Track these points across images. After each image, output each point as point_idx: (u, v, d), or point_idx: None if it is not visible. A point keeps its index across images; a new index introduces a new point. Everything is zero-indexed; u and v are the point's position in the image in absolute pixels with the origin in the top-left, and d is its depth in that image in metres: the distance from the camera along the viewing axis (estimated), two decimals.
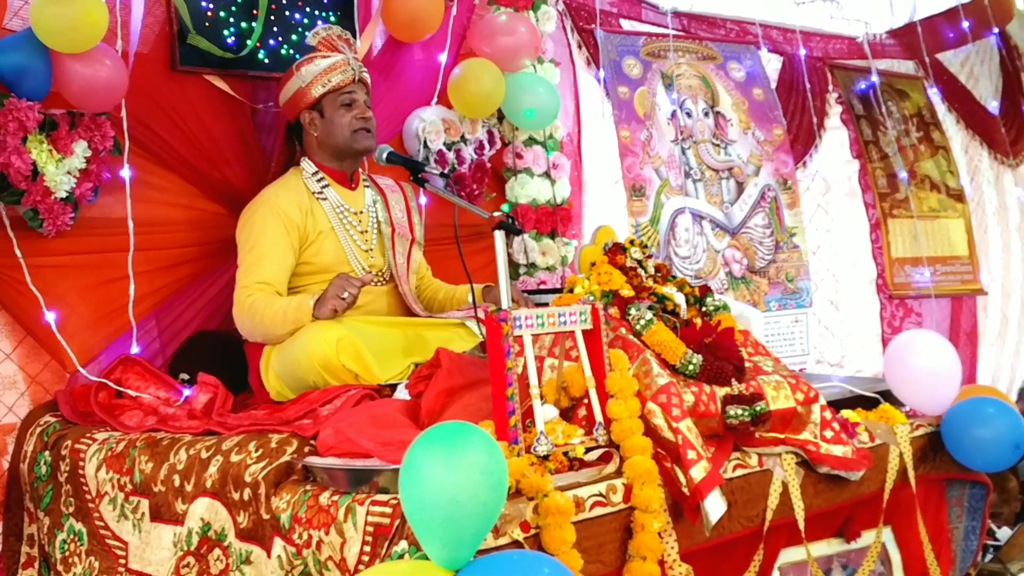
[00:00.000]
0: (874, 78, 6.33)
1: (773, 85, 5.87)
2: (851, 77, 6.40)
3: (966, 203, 6.70)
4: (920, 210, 6.36)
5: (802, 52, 5.98)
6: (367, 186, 3.72)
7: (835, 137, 6.24)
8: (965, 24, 6.48)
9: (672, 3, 5.52)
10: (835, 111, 6.26)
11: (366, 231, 3.61)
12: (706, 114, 5.42)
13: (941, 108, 6.87)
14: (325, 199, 3.54)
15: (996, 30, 6.84)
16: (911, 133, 6.53)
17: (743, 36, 5.85)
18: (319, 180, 3.57)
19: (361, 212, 3.63)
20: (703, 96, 5.44)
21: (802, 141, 5.95)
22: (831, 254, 6.10)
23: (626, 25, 5.36)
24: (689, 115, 5.34)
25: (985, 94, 7.21)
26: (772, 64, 5.98)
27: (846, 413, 2.92)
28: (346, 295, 3.18)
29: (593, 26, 5.09)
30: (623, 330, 2.66)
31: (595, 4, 5.11)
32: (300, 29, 3.98)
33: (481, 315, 3.32)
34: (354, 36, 3.87)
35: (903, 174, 6.30)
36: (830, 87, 6.24)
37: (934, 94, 6.82)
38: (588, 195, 4.95)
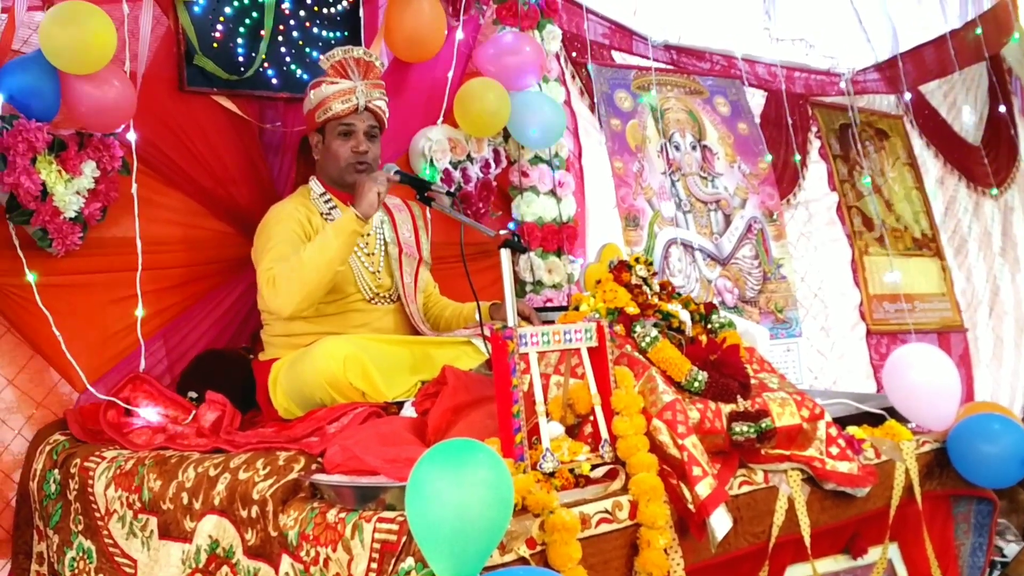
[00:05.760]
0: (851, 115, 6.28)
1: (757, 120, 5.81)
2: (832, 115, 6.34)
3: (940, 243, 6.63)
4: (895, 249, 6.30)
5: (783, 88, 5.92)
6: None
7: (816, 170, 6.20)
8: (952, 52, 6.40)
9: (662, 36, 5.49)
10: (814, 146, 6.23)
11: (372, 253, 3.53)
12: (693, 147, 5.37)
13: (919, 143, 6.81)
14: (333, 220, 3.44)
15: (988, 55, 6.75)
16: (887, 173, 6.47)
17: (729, 70, 5.82)
18: (327, 201, 3.50)
19: (368, 234, 3.54)
20: (690, 130, 5.41)
21: (788, 178, 5.89)
22: (818, 280, 6.04)
23: (618, 57, 5.32)
24: (677, 148, 5.29)
25: (968, 122, 7.14)
26: (756, 99, 5.94)
27: (852, 430, 2.86)
28: (379, 179, 3.18)
29: (585, 59, 5.04)
30: (628, 347, 2.59)
31: (587, 37, 5.05)
32: (307, 49, 3.95)
33: (487, 333, 3.23)
34: None
35: (877, 210, 6.24)
36: (811, 124, 6.20)
37: (913, 132, 6.75)
38: (590, 217, 4.89)
